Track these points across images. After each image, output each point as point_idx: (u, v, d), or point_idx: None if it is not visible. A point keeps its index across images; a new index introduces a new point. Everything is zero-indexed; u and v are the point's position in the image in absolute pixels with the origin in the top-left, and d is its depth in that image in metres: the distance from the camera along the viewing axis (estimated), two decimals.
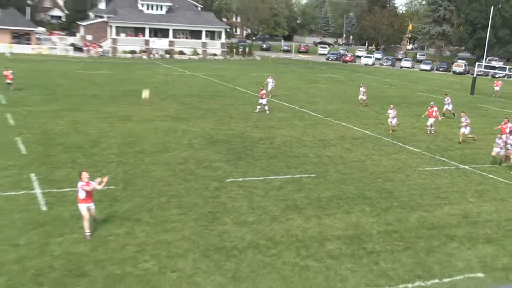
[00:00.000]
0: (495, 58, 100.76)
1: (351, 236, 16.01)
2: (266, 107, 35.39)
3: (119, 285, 12.14)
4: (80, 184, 14.54)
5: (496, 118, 41.14)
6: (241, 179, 20.77)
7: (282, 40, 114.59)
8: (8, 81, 38.78)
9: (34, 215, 15.88)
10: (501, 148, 25.24)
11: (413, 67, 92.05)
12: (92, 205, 14.81)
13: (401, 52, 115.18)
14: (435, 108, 32.17)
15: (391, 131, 31.07)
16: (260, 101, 35.52)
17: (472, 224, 17.62)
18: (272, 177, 21.23)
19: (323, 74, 68.13)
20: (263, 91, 35.77)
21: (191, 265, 13.32)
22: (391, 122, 31.30)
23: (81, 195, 14.53)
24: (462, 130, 29.08)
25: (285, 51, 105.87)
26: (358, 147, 27.38)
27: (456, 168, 24.38)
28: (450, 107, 39.35)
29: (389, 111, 31.44)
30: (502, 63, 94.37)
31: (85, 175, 14.64)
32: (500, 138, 25.54)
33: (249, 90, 45.80)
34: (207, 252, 14.17)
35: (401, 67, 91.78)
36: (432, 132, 31.91)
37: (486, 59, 68.90)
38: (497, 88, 56.82)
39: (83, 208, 14.57)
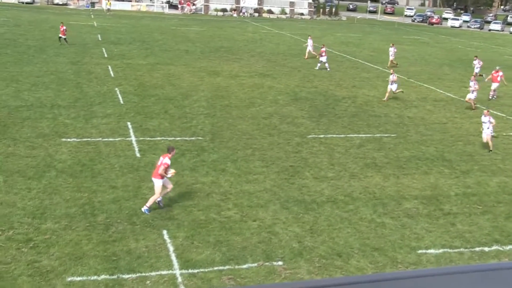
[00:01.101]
0: None
1: (428, 196, 16.27)
2: (327, 65, 35.54)
3: (203, 229, 13.10)
4: (165, 161, 13.83)
5: None
6: (322, 135, 21.30)
7: (369, 1, 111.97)
8: (62, 35, 38.72)
9: (129, 160, 17.18)
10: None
11: (503, 30, 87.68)
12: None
13: (491, 15, 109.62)
14: (500, 73, 30.70)
15: (386, 99, 28.02)
16: (321, 58, 35.71)
17: None
18: (353, 135, 21.61)
19: (408, 35, 66.44)
20: (323, 49, 35.82)
21: (271, 216, 14.10)
22: (391, 88, 28.09)
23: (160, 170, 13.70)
24: (469, 96, 27.56)
25: (371, 12, 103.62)
26: (440, 109, 27.11)
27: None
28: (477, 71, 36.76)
29: (390, 76, 28.54)
30: None
31: (172, 152, 14.21)
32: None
33: (333, 49, 45.64)
34: (286, 204, 14.91)
35: (490, 30, 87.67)
36: (495, 97, 30.65)
37: None
38: None
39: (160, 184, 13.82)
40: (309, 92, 28.45)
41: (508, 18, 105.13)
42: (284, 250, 12.41)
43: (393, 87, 27.79)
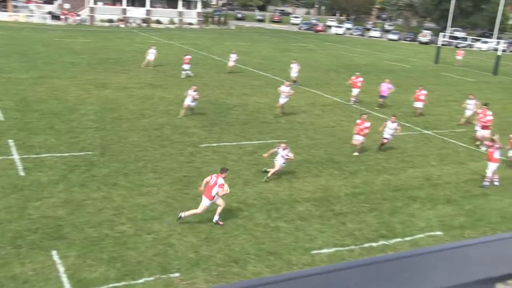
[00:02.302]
0: (458, 28, 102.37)
1: (320, 198, 16.82)
2: (188, 72, 35.80)
3: (96, 246, 12.66)
4: (220, 181, 14.14)
5: (458, 86, 42.39)
6: (215, 144, 21.39)
7: (256, 10, 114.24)
8: None
9: (12, 180, 16.23)
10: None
11: (381, 37, 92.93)
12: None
13: (371, 23, 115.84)
14: (360, 79, 30.96)
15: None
16: (183, 66, 35.88)
17: (433, 186, 18.63)
18: (245, 143, 21.89)
19: (296, 43, 68.48)
20: (188, 57, 35.96)
21: (166, 227, 13.92)
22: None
23: (215, 191, 14.09)
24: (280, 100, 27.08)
25: (259, 20, 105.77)
26: (328, 114, 28.16)
27: (420, 134, 25.38)
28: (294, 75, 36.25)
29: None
30: (464, 33, 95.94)
31: (225, 173, 14.52)
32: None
33: (223, 58, 46.01)
34: None
35: (370, 37, 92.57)
36: (356, 102, 31.02)
37: (450, 30, 70.12)
38: (459, 58, 58.16)
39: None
40: (201, 102, 28.40)
41: (386, 25, 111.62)
42: (180, 261, 12.30)
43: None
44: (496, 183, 19.12)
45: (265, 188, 17.21)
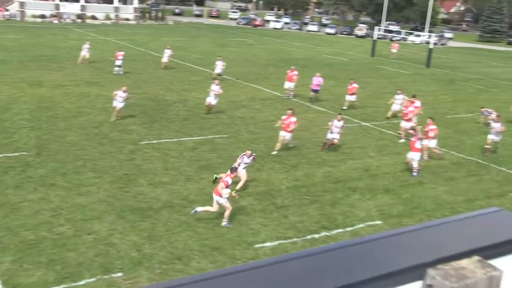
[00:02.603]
0: (392, 22, 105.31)
1: (262, 192, 16.91)
2: (118, 69, 34.94)
3: (33, 250, 12.25)
4: (226, 179, 14.36)
5: (394, 78, 43.57)
6: (155, 141, 21.12)
7: (194, 5, 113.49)
8: None
9: None
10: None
11: (319, 31, 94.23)
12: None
13: (308, 17, 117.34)
14: (295, 72, 31.21)
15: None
16: (117, 62, 35.06)
17: (372, 176, 19.08)
18: (186, 139, 21.73)
19: (234, 38, 68.49)
20: (121, 53, 35.08)
21: (107, 227, 13.66)
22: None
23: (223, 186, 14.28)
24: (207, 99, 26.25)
25: (197, 15, 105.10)
26: (268, 108, 28.33)
27: (359, 126, 25.91)
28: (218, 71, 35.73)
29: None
30: (398, 27, 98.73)
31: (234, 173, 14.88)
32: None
33: (162, 54, 45.49)
34: (122, 213, 14.55)
35: (308, 31, 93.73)
36: (291, 96, 31.21)
37: (384, 24, 72.04)
38: (394, 51, 59.77)
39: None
40: (139, 98, 28.03)
41: (323, 20, 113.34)
42: (123, 261, 12.09)
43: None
44: (415, 174, 19.53)
45: (206, 184, 17.14)
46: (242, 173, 16.77)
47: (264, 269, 1.30)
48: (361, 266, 1.30)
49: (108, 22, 79.66)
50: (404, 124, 23.81)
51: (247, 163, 16.99)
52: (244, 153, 17.19)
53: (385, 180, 18.89)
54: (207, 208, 14.58)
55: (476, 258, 1.35)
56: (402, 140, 23.34)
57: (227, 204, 14.38)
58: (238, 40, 65.94)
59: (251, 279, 1.26)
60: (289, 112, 21.20)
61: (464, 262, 1.33)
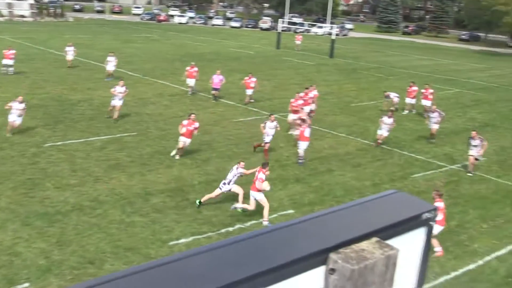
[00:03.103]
0: (295, 14, 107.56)
1: (174, 188, 16.75)
2: (10, 69, 32.78)
3: None
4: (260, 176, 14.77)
5: (299, 69, 44.53)
6: (60, 142, 20.33)
7: (95, 1, 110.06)
8: None
9: None
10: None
11: (224, 25, 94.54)
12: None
13: (213, 11, 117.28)
14: (195, 68, 30.43)
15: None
16: (3, 62, 32.78)
17: (283, 167, 19.40)
18: (93, 138, 21.09)
19: (139, 34, 67.20)
20: (11, 51, 32.75)
21: (11, 236, 13.00)
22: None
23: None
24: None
25: (98, 11, 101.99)
26: (176, 104, 28.07)
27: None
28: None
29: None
30: (301, 19, 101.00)
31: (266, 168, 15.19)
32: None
33: (63, 53, 43.88)
34: (28, 220, 13.91)
35: (213, 25, 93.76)
36: (190, 93, 30.53)
37: (288, 16, 73.51)
38: (298, 42, 61.08)
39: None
40: (41, 99, 26.88)
41: (228, 13, 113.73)
42: (29, 270, 11.56)
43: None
44: (301, 162, 19.76)
45: (117, 183, 16.75)
46: (235, 186, 15.66)
47: (169, 266, 1.29)
48: (265, 255, 1.31)
49: (1, 19, 75.57)
50: (292, 117, 23.93)
51: (237, 174, 15.69)
52: (237, 165, 15.88)
53: (296, 170, 19.26)
54: (246, 206, 15.04)
55: (374, 239, 1.40)
56: (291, 132, 23.14)
57: (264, 199, 14.78)
58: (143, 36, 64.78)
59: (160, 275, 1.25)
60: (193, 116, 19.69)
61: (364, 244, 1.37)
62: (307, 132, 19.89)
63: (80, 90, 30.02)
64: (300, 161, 19.86)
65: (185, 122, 19.55)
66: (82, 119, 23.81)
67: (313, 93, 27.21)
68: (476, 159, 20.14)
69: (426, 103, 29.07)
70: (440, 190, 14.84)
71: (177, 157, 19.53)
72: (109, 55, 34.13)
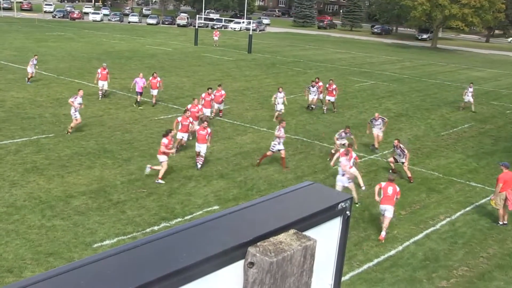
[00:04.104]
0: (212, 10, 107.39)
1: (96, 190, 16.41)
2: None
3: None
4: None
5: (219, 65, 44.59)
6: None
7: None
8: None
9: None
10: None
11: (140, 22, 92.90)
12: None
13: (128, 8, 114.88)
14: (106, 70, 28.72)
15: None
16: None
17: (206, 163, 19.38)
18: (7, 142, 20.25)
19: (52, 32, 64.76)
20: None
21: None
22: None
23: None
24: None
25: (5, 9, 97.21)
26: (95, 103, 27.35)
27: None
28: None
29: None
30: (218, 15, 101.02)
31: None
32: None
33: None
34: None
35: (129, 22, 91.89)
36: (103, 95, 28.68)
37: (205, 12, 73.27)
38: (215, 38, 61.11)
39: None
40: None
41: (144, 10, 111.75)
42: None
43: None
44: (199, 165, 18.97)
45: (35, 187, 16.19)
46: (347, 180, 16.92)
47: (83, 269, 1.29)
48: (181, 253, 1.34)
49: None
50: (205, 111, 23.61)
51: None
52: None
53: (219, 166, 19.34)
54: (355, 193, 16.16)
55: (292, 231, 1.49)
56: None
57: (351, 185, 16.41)
58: (56, 34, 62.52)
59: (71, 280, 1.21)
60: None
61: (281, 237, 1.45)
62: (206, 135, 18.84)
63: None
64: (198, 165, 18.90)
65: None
66: None
67: (220, 93, 26.49)
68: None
69: (330, 98, 28.98)
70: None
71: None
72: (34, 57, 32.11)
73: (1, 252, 12.40)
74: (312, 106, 28.92)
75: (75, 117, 21.83)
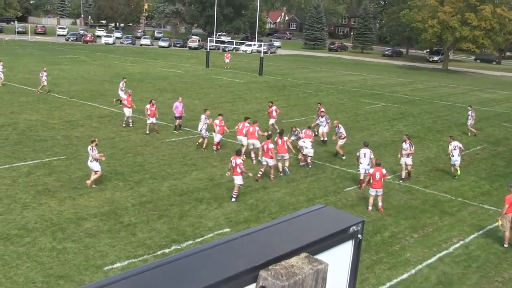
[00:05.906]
0: (223, 33, 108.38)
1: (107, 212, 16.39)
2: None
3: None
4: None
5: (230, 87, 44.79)
6: None
7: (16, 21, 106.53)
8: None
9: None
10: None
11: (152, 44, 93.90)
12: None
13: (140, 31, 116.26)
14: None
15: None
16: None
17: (217, 185, 19.38)
18: (19, 164, 20.36)
19: (65, 55, 65.61)
20: None
21: None
22: None
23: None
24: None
25: (20, 33, 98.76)
26: (107, 125, 27.54)
27: (199, 136, 26.11)
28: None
29: None
30: (229, 37, 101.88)
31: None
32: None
33: None
34: None
35: (141, 45, 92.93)
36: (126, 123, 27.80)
37: (216, 35, 73.98)
38: (227, 61, 61.53)
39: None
40: None
41: (155, 33, 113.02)
42: None
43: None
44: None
45: (46, 210, 16.22)
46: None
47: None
48: (194, 276, 1.33)
49: None
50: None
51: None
52: None
53: (230, 188, 19.27)
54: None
55: (304, 254, 1.46)
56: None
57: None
58: (69, 57, 63.32)
59: None
60: (268, 140, 20.56)
61: (293, 260, 1.42)
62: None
63: (3, 113, 28.96)
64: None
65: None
66: (7, 144, 22.96)
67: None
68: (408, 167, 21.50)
69: (271, 121, 27.94)
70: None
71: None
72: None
73: (12, 275, 12.36)
74: (324, 139, 27.46)
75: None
